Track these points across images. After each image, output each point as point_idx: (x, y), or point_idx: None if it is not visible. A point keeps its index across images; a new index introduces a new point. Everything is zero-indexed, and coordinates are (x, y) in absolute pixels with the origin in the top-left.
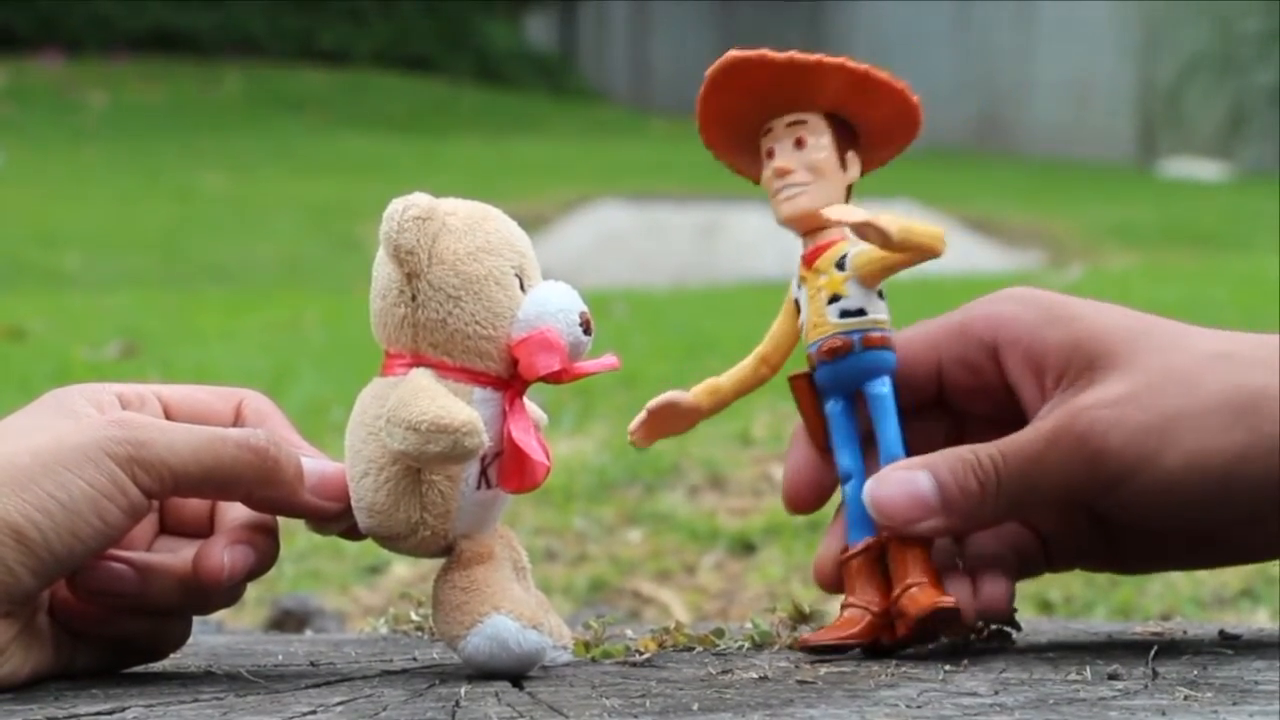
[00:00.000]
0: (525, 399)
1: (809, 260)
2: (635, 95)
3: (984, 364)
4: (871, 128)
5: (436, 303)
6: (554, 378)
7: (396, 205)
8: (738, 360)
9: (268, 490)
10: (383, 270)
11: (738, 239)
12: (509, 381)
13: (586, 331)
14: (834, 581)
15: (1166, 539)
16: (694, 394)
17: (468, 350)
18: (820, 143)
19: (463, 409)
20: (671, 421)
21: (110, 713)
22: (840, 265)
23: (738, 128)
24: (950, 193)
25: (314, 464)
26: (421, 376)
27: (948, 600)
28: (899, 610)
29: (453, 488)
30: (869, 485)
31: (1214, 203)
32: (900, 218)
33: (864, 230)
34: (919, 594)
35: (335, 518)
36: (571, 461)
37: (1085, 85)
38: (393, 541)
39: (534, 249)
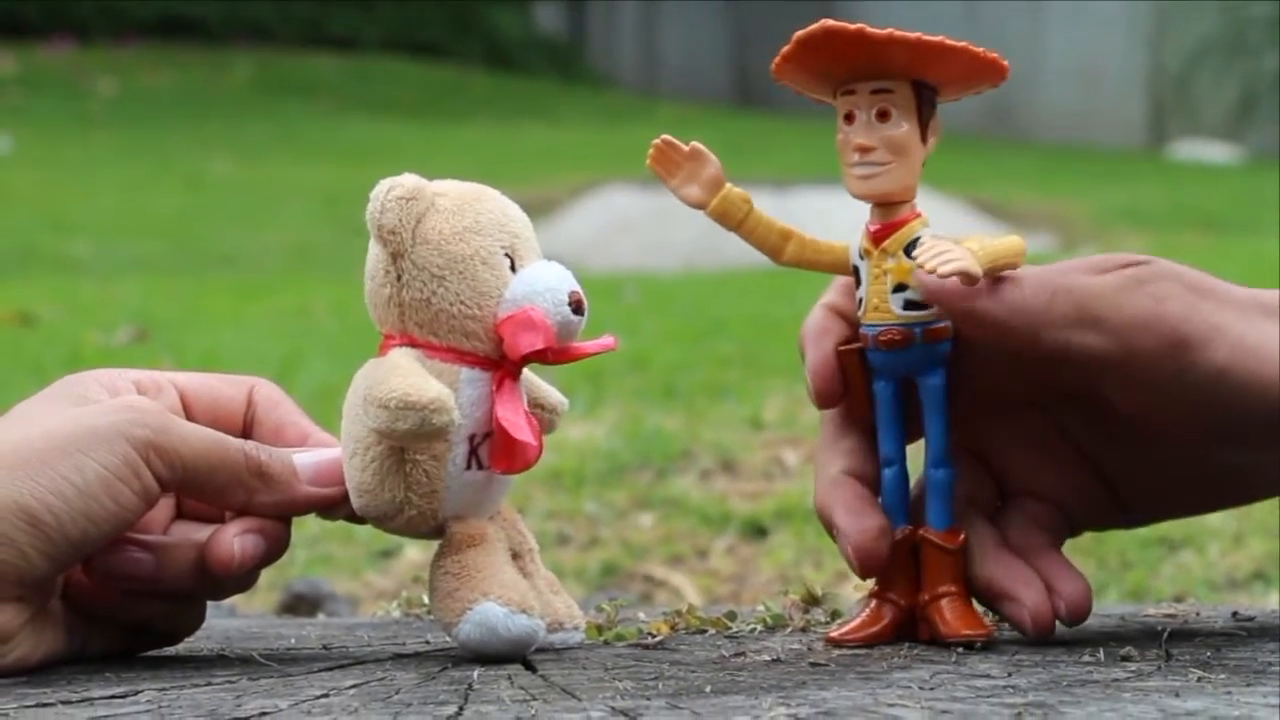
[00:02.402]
0: (541, 382)
1: (877, 238)
2: (644, 81)
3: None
4: (951, 82)
5: (420, 282)
6: (540, 357)
7: (382, 186)
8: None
9: (265, 495)
10: (372, 251)
11: None
12: (499, 362)
13: (577, 311)
14: (882, 564)
15: (1171, 485)
16: (734, 189)
17: (454, 330)
18: (904, 117)
19: (432, 386)
20: (689, 166)
21: (124, 696)
22: (910, 252)
23: (816, 81)
24: (961, 177)
25: (308, 456)
26: (399, 355)
27: (980, 633)
28: (927, 617)
29: (438, 468)
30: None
31: (1224, 186)
32: (982, 245)
33: (968, 276)
34: (950, 612)
35: (338, 503)
36: (583, 446)
37: (1095, 70)
38: (381, 521)
39: (544, 233)
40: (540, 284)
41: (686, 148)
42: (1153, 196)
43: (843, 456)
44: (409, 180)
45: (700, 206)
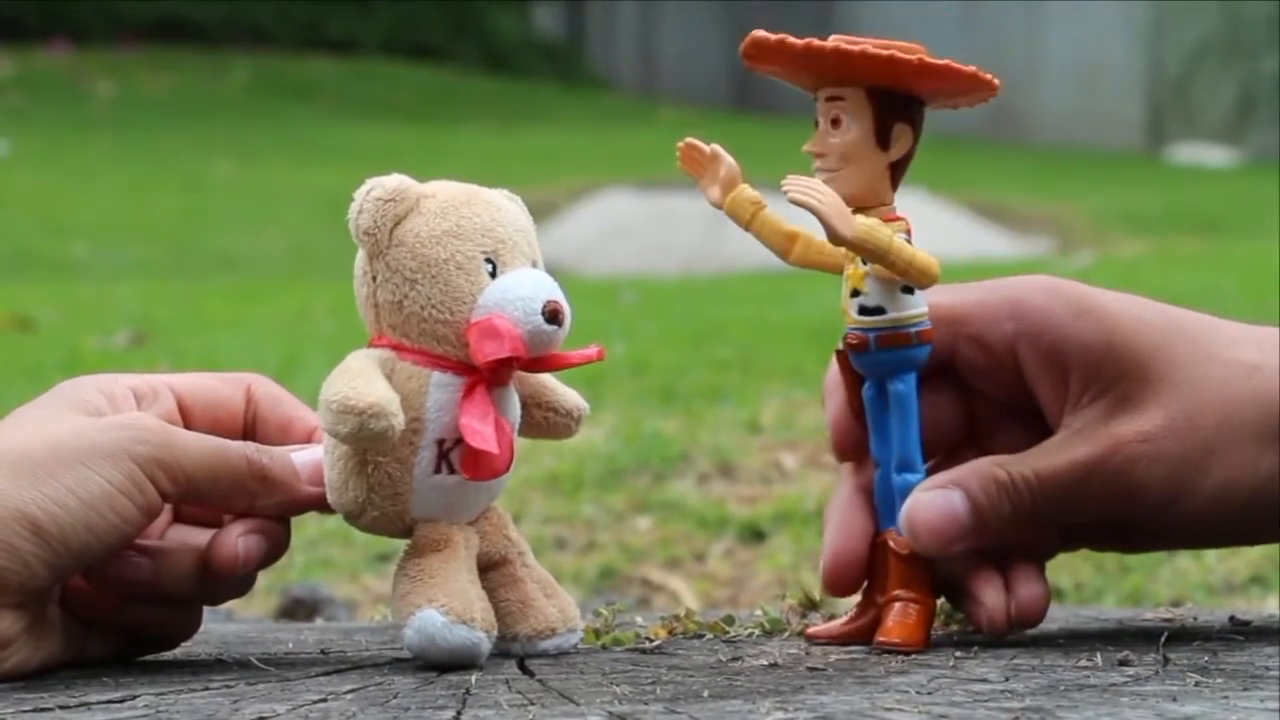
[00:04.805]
0: (558, 384)
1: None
2: (643, 83)
3: (1000, 349)
4: (933, 93)
5: (393, 284)
6: (507, 365)
7: (364, 186)
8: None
9: (267, 497)
10: (358, 252)
11: None
12: (474, 368)
13: (551, 320)
14: (848, 590)
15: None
16: (745, 190)
17: (424, 333)
18: (854, 124)
19: (374, 391)
20: (711, 167)
21: (121, 701)
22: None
23: (789, 79)
24: (959, 180)
25: (306, 455)
26: (354, 358)
27: (911, 644)
28: (880, 618)
29: (403, 470)
30: (904, 509)
31: (1222, 189)
32: (875, 227)
33: (816, 215)
34: (893, 618)
35: None
36: (581, 449)
37: (1094, 72)
38: (350, 519)
39: (542, 237)
40: (512, 292)
41: (708, 149)
42: (1151, 199)
43: (865, 470)
44: (391, 181)
45: (718, 206)
